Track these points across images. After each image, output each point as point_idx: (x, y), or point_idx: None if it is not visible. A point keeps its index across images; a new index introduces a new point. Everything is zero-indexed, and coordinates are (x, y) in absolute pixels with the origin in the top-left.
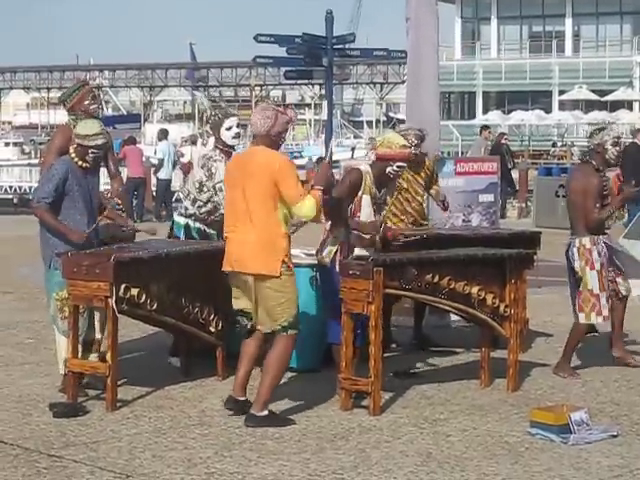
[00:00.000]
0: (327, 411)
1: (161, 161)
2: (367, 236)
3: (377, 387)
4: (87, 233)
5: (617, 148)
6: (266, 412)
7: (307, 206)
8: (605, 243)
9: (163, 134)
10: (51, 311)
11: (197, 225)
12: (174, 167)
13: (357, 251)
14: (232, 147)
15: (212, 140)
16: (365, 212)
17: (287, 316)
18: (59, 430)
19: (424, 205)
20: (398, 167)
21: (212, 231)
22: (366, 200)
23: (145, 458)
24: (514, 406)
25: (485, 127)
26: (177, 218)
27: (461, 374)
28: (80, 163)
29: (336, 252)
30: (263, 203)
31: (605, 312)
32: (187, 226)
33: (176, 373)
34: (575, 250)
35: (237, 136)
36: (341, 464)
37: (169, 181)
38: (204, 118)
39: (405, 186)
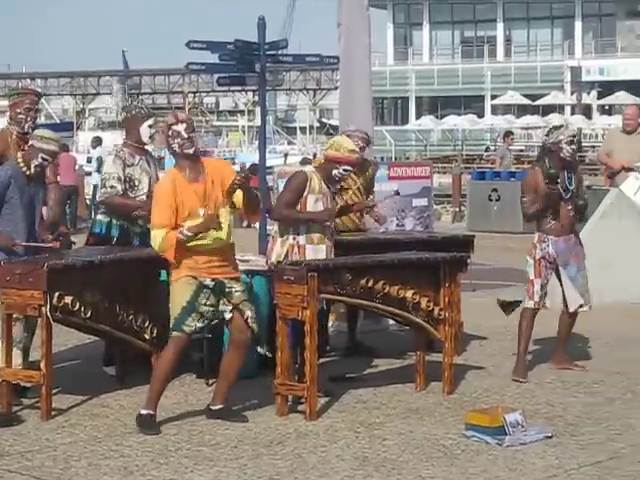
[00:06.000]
0: (263, 417)
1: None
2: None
3: (313, 392)
4: (17, 244)
5: (572, 146)
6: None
7: (152, 237)
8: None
9: (97, 141)
10: None
11: (120, 222)
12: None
13: (310, 251)
14: (144, 145)
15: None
16: (312, 210)
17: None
18: None
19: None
20: (344, 170)
21: (136, 229)
22: (311, 199)
23: (81, 467)
24: (450, 409)
25: (509, 133)
26: (100, 216)
27: (396, 378)
28: (25, 170)
29: (285, 256)
30: None
31: (536, 298)
32: (109, 222)
33: (111, 381)
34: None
35: (152, 139)
36: (277, 469)
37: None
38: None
39: (347, 189)
